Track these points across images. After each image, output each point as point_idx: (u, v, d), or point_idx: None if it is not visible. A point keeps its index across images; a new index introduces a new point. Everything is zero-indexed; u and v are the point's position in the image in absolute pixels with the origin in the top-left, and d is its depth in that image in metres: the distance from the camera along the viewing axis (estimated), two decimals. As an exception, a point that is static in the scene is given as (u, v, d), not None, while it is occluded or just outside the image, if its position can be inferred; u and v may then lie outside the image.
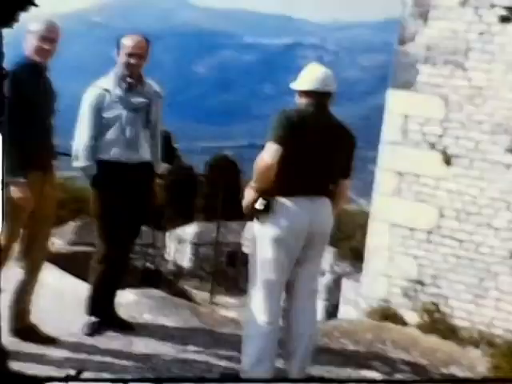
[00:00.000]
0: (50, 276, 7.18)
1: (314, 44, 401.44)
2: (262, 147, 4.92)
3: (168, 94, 6.06)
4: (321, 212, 5.07)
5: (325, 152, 5.01)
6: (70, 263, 8.55)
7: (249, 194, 4.97)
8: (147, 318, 6.46)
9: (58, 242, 33.59)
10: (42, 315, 5.84)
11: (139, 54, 5.71)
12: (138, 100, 5.79)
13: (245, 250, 41.64)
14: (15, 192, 4.95)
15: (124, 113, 5.73)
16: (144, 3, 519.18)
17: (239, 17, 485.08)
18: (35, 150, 5.15)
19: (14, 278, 5.45)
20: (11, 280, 5.43)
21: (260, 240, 5.02)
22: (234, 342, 5.84)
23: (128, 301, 6.78)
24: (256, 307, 5.04)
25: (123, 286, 6.49)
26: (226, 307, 7.21)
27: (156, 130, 6.03)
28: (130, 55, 5.70)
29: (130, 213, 5.84)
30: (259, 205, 4.91)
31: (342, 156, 5.18)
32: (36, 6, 3.46)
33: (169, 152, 6.79)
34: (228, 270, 38.78)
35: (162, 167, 6.21)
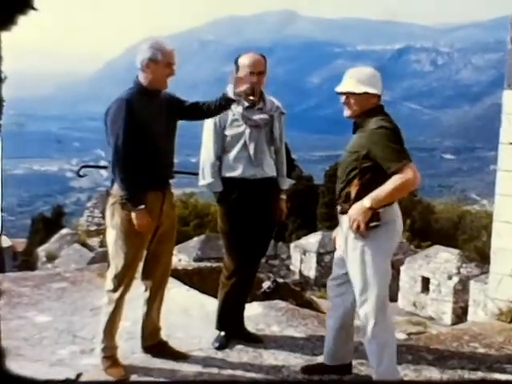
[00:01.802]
0: (178, 292, 7.33)
1: (427, 47, 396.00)
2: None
3: (284, 106, 6.09)
4: None
5: None
6: (196, 279, 8.67)
7: (366, 215, 4.80)
8: (275, 329, 6.49)
9: (183, 257, 34.28)
10: (170, 331, 5.96)
11: (260, 72, 5.78)
12: (259, 117, 5.84)
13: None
14: (135, 219, 5.09)
15: (247, 130, 5.80)
16: (254, 18, 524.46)
17: (350, 25, 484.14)
18: (156, 171, 5.28)
19: (140, 296, 5.58)
20: (139, 299, 5.56)
21: (374, 255, 4.93)
22: (363, 350, 5.79)
23: (255, 313, 6.82)
24: (382, 323, 4.97)
25: (250, 299, 6.53)
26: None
27: (280, 146, 6.07)
28: (251, 73, 5.75)
29: (257, 228, 5.88)
30: (376, 221, 4.85)
31: None
32: (35, 10, 3.48)
33: (288, 164, 6.82)
34: (353, 279, 38.36)
35: (288, 183, 6.22)
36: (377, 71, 5.18)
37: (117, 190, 5.15)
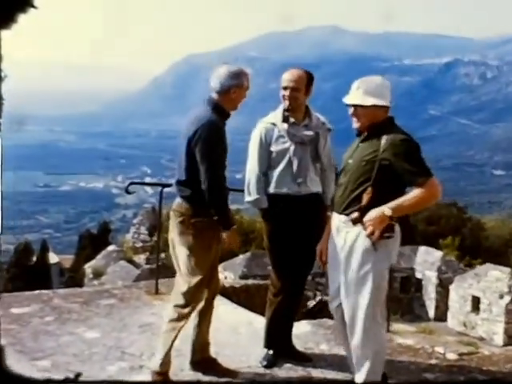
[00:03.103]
0: (225, 310, 7.31)
1: (475, 61, 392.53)
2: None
3: (331, 122, 6.05)
4: None
5: None
6: (243, 296, 8.65)
7: (384, 223, 4.74)
8: (324, 348, 6.44)
9: (229, 275, 34.28)
10: (219, 349, 5.94)
11: (292, 87, 5.74)
12: (305, 133, 5.80)
13: (418, 275, 41.01)
14: (228, 237, 5.24)
15: (292, 146, 5.77)
16: (298, 35, 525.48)
17: (395, 39, 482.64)
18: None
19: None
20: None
21: (381, 262, 4.90)
22: (412, 371, 5.72)
23: (304, 332, 6.78)
24: (378, 327, 4.96)
25: (299, 318, 6.49)
26: (402, 334, 7.04)
27: (327, 162, 5.99)
28: (284, 88, 5.77)
29: (302, 245, 5.82)
30: (390, 232, 4.81)
31: None
32: (35, 8, 3.48)
33: (335, 181, 6.81)
34: (401, 296, 38.17)
35: None
36: (386, 80, 5.07)
37: (184, 207, 5.27)
